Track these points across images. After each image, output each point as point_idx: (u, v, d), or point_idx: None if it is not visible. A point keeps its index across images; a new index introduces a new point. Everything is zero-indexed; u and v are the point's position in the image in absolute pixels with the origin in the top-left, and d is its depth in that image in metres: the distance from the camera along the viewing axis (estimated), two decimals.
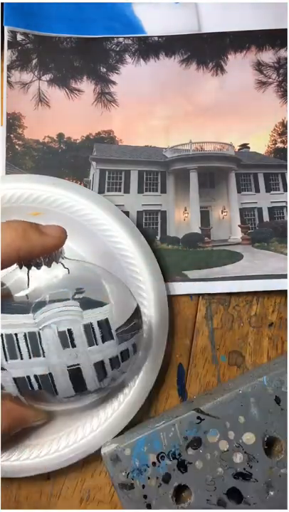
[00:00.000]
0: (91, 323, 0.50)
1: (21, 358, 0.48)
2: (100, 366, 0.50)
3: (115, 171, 0.71)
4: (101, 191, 0.70)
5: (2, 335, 0.48)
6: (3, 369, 0.49)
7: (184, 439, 0.59)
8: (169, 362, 0.67)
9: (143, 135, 0.72)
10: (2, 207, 0.62)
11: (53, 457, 0.61)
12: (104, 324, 0.50)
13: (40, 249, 0.49)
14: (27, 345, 0.48)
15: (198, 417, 0.59)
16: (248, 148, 0.72)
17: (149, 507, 0.58)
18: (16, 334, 0.48)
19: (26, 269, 0.51)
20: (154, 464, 0.58)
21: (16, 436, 0.59)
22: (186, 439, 0.59)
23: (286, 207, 0.71)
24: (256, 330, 0.68)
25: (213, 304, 0.68)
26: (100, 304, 0.51)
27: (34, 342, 0.48)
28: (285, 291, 0.67)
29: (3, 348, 0.48)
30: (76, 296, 0.50)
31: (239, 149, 0.72)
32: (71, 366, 0.49)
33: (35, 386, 0.49)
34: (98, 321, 0.50)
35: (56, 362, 0.49)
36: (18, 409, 0.55)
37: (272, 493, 0.58)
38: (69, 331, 0.49)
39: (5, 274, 0.52)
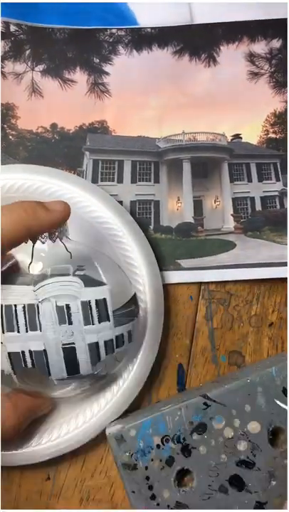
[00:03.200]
0: (89, 301, 0.50)
1: (18, 331, 0.49)
2: (94, 348, 0.50)
3: (108, 161, 0.72)
4: (94, 181, 0.71)
5: (2, 306, 0.49)
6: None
7: (189, 424, 0.59)
8: (169, 362, 0.67)
9: (136, 125, 0.72)
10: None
11: (55, 444, 0.62)
12: (101, 304, 0.50)
13: (48, 225, 0.50)
14: (25, 318, 0.49)
15: (205, 403, 0.59)
16: (241, 138, 0.72)
17: (150, 488, 0.58)
18: (15, 305, 0.49)
19: (32, 243, 0.52)
20: (158, 446, 0.59)
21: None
22: (191, 424, 0.59)
23: (278, 196, 0.71)
24: (256, 330, 0.68)
25: (213, 304, 0.68)
26: (99, 284, 0.51)
27: (32, 315, 0.49)
28: (284, 288, 0.68)
29: (1, 320, 0.49)
30: (77, 273, 0.51)
31: (232, 139, 0.72)
32: (66, 344, 0.49)
33: (29, 363, 0.49)
34: (96, 300, 0.50)
35: (52, 338, 0.49)
36: (25, 401, 0.56)
37: (274, 482, 0.59)
38: (67, 306, 0.49)
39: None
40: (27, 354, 0.49)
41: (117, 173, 0.72)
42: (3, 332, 0.49)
